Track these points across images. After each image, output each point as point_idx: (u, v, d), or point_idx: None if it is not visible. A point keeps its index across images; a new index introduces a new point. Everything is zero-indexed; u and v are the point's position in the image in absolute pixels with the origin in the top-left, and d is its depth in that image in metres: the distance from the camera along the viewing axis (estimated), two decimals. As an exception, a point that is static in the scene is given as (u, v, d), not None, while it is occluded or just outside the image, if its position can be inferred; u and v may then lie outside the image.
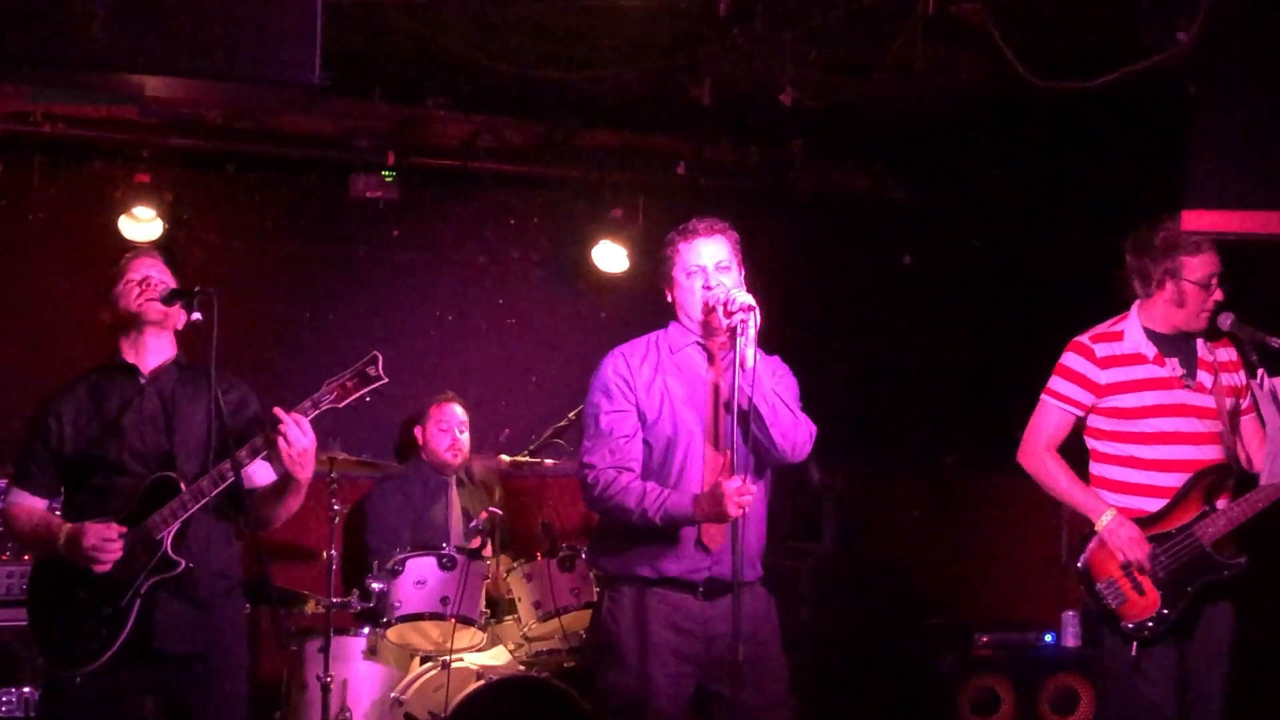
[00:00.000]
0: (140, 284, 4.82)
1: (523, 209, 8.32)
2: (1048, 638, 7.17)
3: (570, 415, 7.26)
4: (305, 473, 4.67)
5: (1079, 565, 5.33)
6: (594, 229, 8.18)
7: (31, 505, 4.87)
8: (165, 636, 4.70)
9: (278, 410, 4.60)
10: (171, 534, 4.65)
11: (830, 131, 7.97)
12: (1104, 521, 5.25)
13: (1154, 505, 5.24)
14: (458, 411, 7.42)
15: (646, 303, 7.99)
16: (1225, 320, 5.25)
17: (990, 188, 8.20)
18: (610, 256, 8.17)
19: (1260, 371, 5.28)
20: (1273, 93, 5.09)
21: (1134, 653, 5.17)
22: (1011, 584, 8.12)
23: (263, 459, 4.72)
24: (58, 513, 4.88)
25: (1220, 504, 5.21)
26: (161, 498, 4.67)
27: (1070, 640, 7.12)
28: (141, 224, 7.18)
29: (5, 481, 5.09)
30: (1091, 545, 5.31)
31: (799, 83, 6.51)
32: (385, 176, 7.73)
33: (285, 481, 4.75)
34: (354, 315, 7.96)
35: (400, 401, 7.71)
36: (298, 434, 4.58)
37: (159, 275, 4.87)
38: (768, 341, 4.75)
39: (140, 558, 4.65)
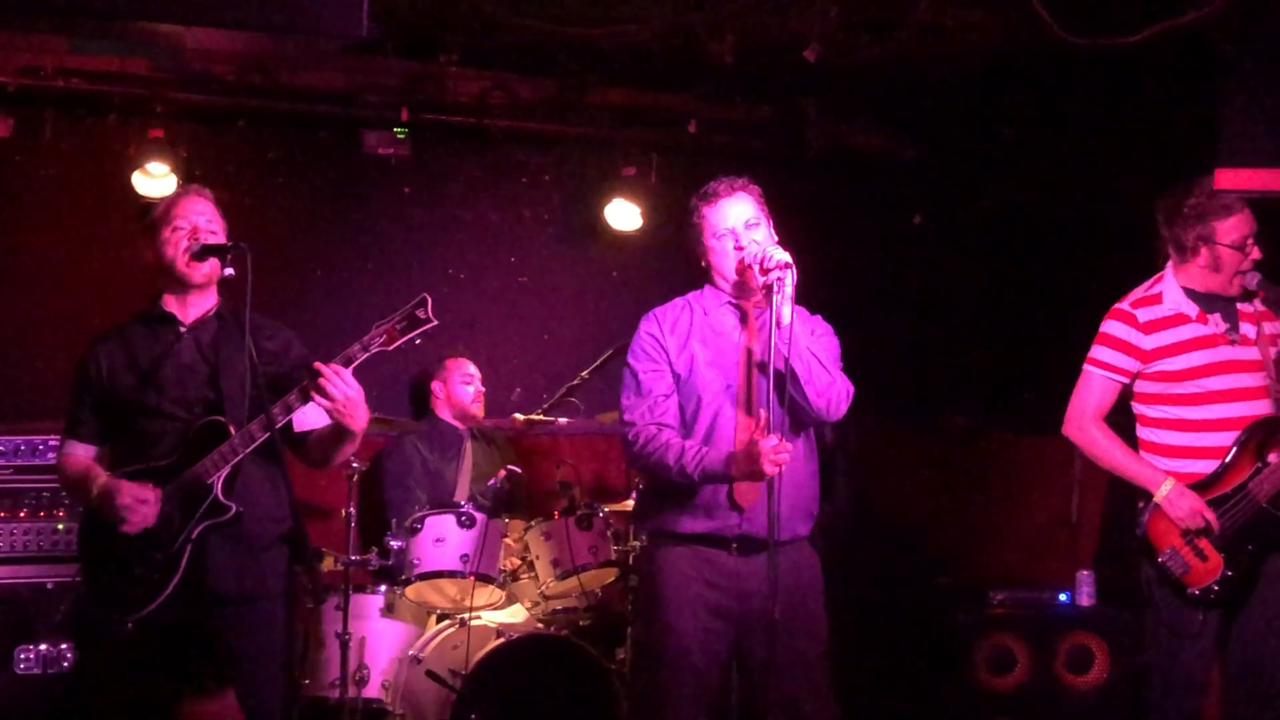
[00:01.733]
0: (190, 234, 4.77)
1: (535, 166, 8.27)
2: (1062, 597, 7.16)
3: (583, 374, 7.27)
4: (357, 422, 4.62)
5: (1137, 536, 5.28)
6: (606, 187, 8.15)
7: (79, 455, 4.87)
8: (218, 578, 4.69)
9: (317, 364, 4.55)
10: (222, 479, 4.66)
11: (843, 90, 7.94)
12: (1164, 492, 5.19)
13: (1206, 467, 5.20)
14: (472, 366, 7.43)
15: (659, 261, 8.09)
16: (1251, 280, 5.23)
17: (1002, 147, 8.18)
18: (623, 214, 8.14)
19: (1284, 331, 5.29)
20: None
21: (1201, 617, 5.17)
22: (1023, 543, 8.12)
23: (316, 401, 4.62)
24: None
25: (1272, 459, 5.16)
26: (210, 443, 4.66)
27: (1085, 599, 7.11)
28: (155, 180, 7.13)
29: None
30: (1149, 515, 5.25)
31: (821, 39, 6.47)
32: (397, 133, 7.69)
33: (338, 429, 4.70)
34: (366, 272, 7.92)
35: (412, 359, 7.71)
36: (340, 386, 4.51)
37: (207, 224, 4.81)
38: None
39: (191, 503, 4.65)
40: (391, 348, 4.61)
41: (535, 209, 8.36)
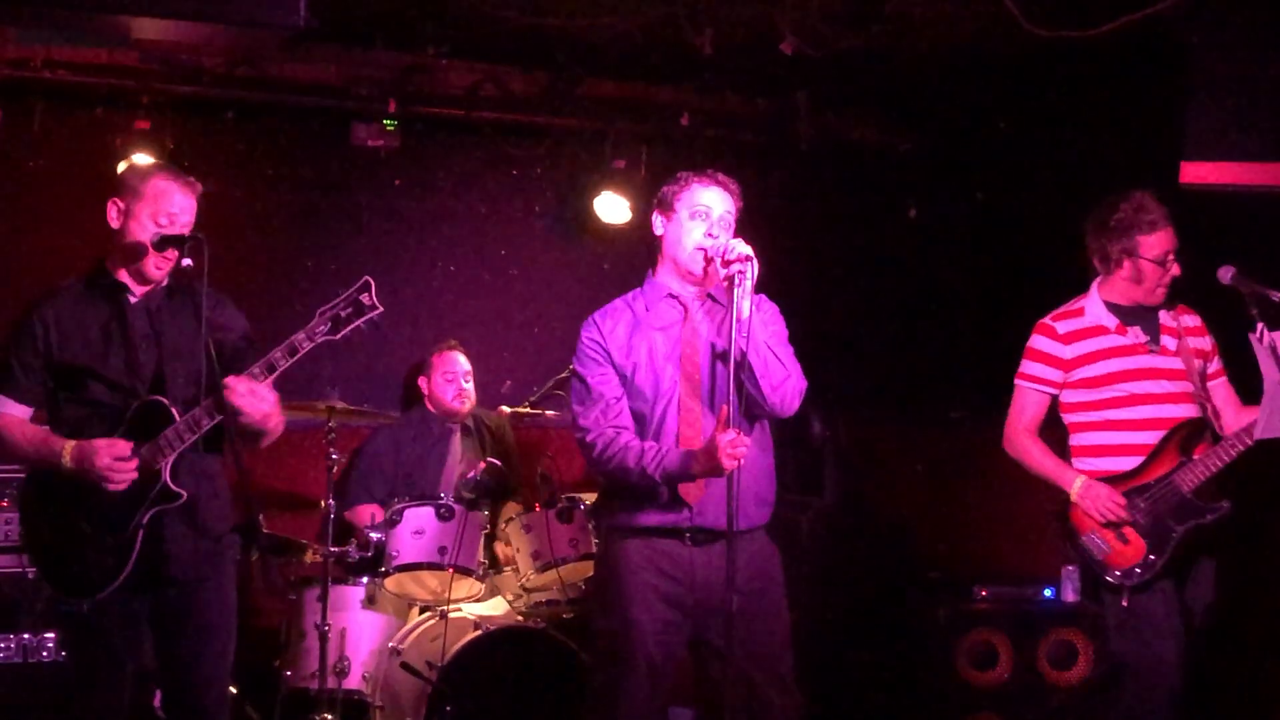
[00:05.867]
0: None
1: (525, 159, 8.25)
2: (1047, 592, 7.12)
3: (571, 367, 7.24)
4: (271, 423, 4.66)
5: (1058, 522, 5.47)
6: (596, 180, 8.13)
7: (17, 416, 4.70)
8: (174, 563, 4.67)
9: (228, 379, 4.50)
10: (169, 464, 4.61)
11: (835, 82, 7.91)
12: (1075, 489, 5.39)
13: (1133, 464, 5.34)
14: (461, 360, 7.42)
15: (649, 254, 8.04)
16: (1226, 274, 5.24)
17: (995, 139, 8.14)
18: (612, 207, 8.12)
19: (1260, 326, 5.26)
20: (1273, 43, 5.05)
21: (1125, 603, 5.22)
22: (1014, 539, 8.08)
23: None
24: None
25: (1197, 455, 5.29)
26: (153, 424, 4.60)
27: (1070, 595, 7.06)
28: (142, 171, 7.15)
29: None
30: (1071, 505, 5.45)
31: (800, 32, 6.45)
32: (387, 125, 7.67)
33: (248, 431, 4.68)
34: (355, 265, 7.84)
35: (403, 352, 7.76)
36: (250, 402, 4.52)
37: (186, 220, 4.70)
38: (772, 293, 4.80)
39: (139, 488, 4.58)
40: (338, 336, 4.59)
41: (525, 201, 8.35)
